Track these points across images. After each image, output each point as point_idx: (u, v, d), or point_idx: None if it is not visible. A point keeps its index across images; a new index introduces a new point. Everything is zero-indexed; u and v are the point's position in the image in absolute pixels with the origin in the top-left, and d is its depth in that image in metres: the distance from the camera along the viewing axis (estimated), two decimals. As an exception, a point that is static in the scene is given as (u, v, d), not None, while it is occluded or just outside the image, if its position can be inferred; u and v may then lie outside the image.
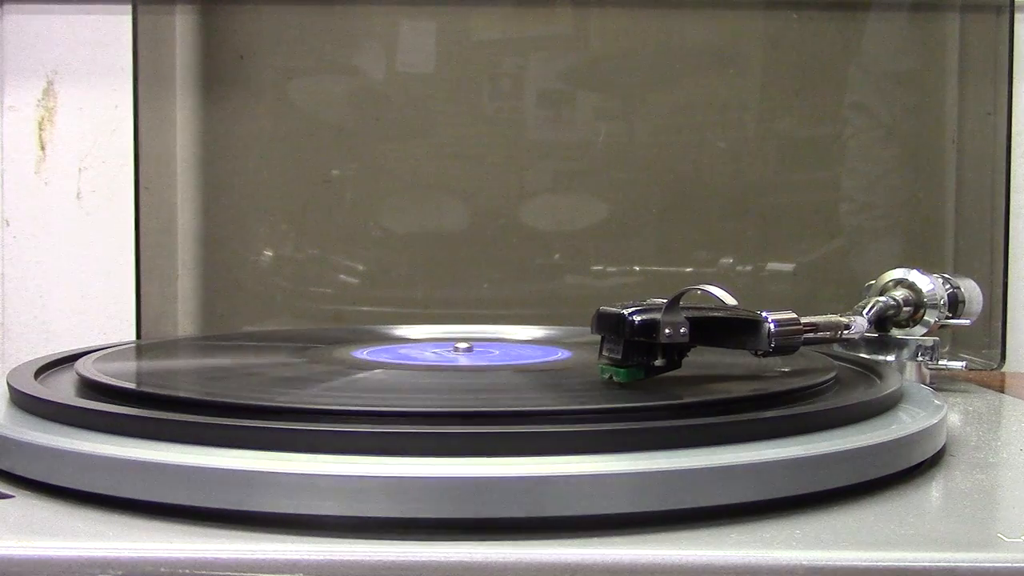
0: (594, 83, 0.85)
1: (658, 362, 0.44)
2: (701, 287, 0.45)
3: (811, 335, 0.49)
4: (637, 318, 0.43)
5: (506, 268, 0.85)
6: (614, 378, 0.45)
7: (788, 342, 0.47)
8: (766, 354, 0.46)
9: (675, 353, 0.45)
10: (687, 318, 0.44)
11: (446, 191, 0.85)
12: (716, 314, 0.46)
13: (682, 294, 0.44)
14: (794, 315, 0.48)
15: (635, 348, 0.44)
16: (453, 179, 0.85)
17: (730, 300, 0.45)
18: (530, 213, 0.85)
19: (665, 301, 0.44)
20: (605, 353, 0.45)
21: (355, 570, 0.32)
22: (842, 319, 0.53)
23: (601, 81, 0.85)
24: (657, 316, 0.43)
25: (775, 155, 0.85)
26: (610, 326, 0.44)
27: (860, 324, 0.56)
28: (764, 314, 0.46)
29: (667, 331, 0.43)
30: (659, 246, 0.85)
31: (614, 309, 0.44)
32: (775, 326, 0.46)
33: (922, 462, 0.42)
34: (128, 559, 0.32)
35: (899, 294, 0.62)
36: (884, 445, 0.40)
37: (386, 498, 0.33)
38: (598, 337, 0.45)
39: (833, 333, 0.52)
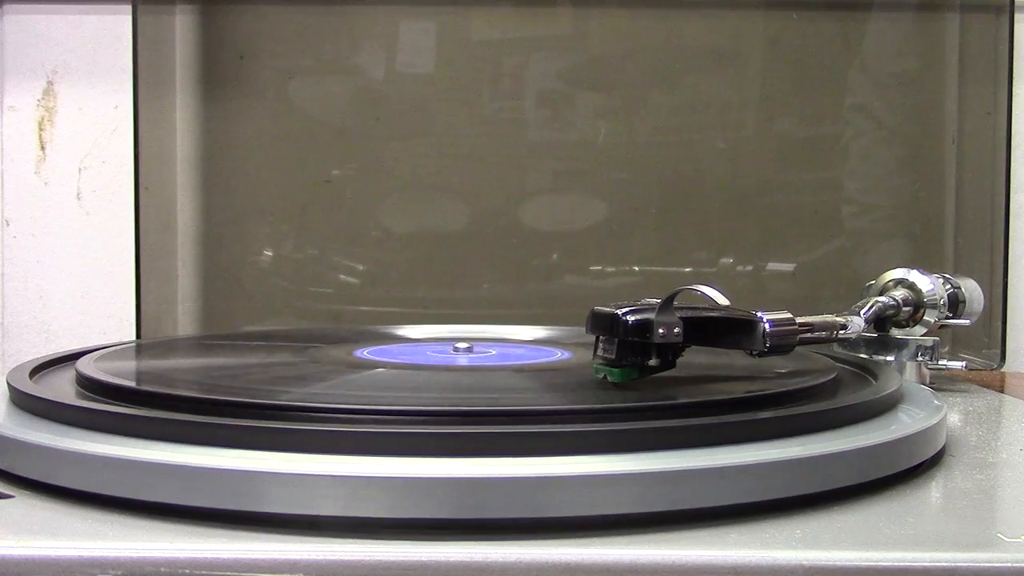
0: (594, 83, 0.85)
1: (652, 362, 0.44)
2: (694, 287, 0.45)
3: (807, 335, 0.49)
4: (631, 318, 0.43)
5: (506, 268, 0.85)
6: (608, 378, 0.45)
7: (784, 342, 0.47)
8: (762, 354, 0.46)
9: (669, 353, 0.45)
10: (682, 318, 0.44)
11: (446, 191, 0.85)
12: (711, 314, 0.46)
13: (676, 294, 0.44)
14: (789, 315, 0.48)
15: (629, 348, 0.44)
16: (453, 179, 0.85)
17: (723, 300, 0.45)
18: (530, 213, 0.85)
19: (659, 301, 0.44)
20: (599, 353, 0.45)
21: (355, 570, 0.32)
22: (838, 319, 0.53)
23: (601, 81, 0.85)
24: (651, 316, 0.43)
25: (775, 155, 0.85)
26: (604, 326, 0.44)
27: (857, 324, 0.56)
28: (759, 314, 0.46)
29: (661, 331, 0.43)
30: (659, 246, 0.85)
31: (608, 309, 0.44)
32: (770, 326, 0.46)
33: (922, 462, 0.42)
34: (128, 559, 0.32)
35: (899, 294, 0.62)
36: (884, 445, 0.40)
37: (386, 498, 0.33)
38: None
39: (829, 333, 0.52)
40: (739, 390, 0.47)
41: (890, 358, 0.62)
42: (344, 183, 0.85)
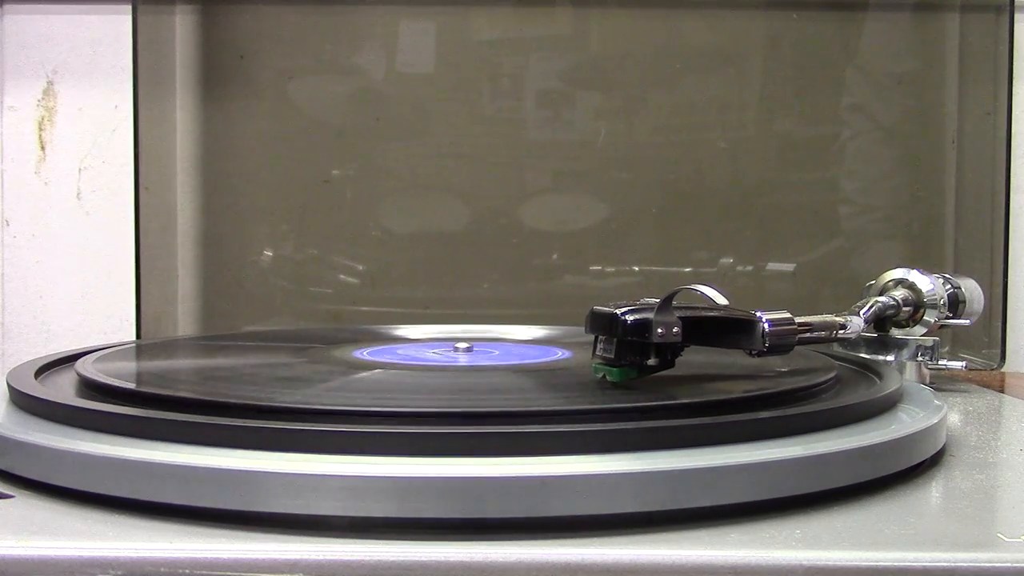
0: (594, 83, 0.85)
1: (651, 361, 0.45)
2: (693, 287, 0.45)
3: (806, 335, 0.50)
4: (629, 318, 0.43)
5: (506, 268, 0.85)
6: (607, 377, 0.45)
7: (783, 342, 0.47)
8: (760, 354, 0.46)
9: (668, 352, 0.45)
10: (681, 318, 0.44)
11: (446, 191, 0.85)
12: (711, 314, 0.46)
13: (675, 294, 0.44)
14: (788, 315, 0.48)
15: (628, 347, 0.44)
16: (453, 179, 0.85)
17: (721, 300, 0.45)
18: (530, 213, 0.85)
19: (658, 301, 0.44)
20: (598, 352, 0.45)
21: (355, 570, 0.32)
22: (837, 319, 0.53)
23: (601, 81, 0.85)
24: (649, 316, 0.43)
25: (775, 155, 0.85)
26: (603, 326, 0.44)
27: (856, 324, 0.56)
28: (758, 314, 0.46)
29: (659, 331, 0.43)
30: (659, 246, 0.85)
31: (607, 309, 0.44)
32: (769, 326, 0.46)
33: (922, 462, 0.42)
34: (128, 559, 0.32)
35: (899, 294, 0.62)
36: (884, 445, 0.40)
37: (386, 498, 0.33)
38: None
39: (828, 333, 0.52)
40: (739, 390, 0.47)
41: (890, 358, 0.62)
42: (344, 183, 0.85)
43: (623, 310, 0.43)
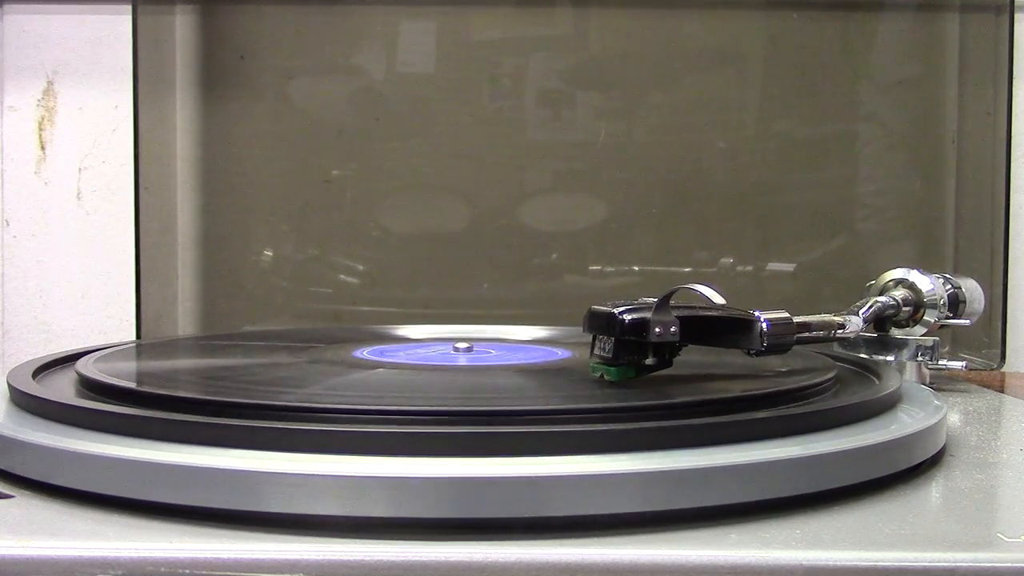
0: (594, 83, 0.85)
1: (649, 361, 0.45)
2: (690, 286, 0.45)
3: (804, 334, 0.50)
4: (627, 317, 0.43)
5: (506, 268, 0.85)
6: (605, 376, 0.45)
7: (781, 341, 0.47)
8: (759, 353, 0.46)
9: (666, 352, 0.45)
10: (680, 317, 0.44)
11: (446, 191, 0.85)
12: (709, 313, 0.46)
13: (672, 293, 0.44)
14: (787, 314, 0.48)
15: (626, 347, 0.44)
16: (453, 179, 0.85)
17: (719, 299, 0.45)
18: (530, 213, 0.85)
19: (656, 300, 0.44)
20: (596, 352, 0.45)
21: (355, 570, 0.32)
22: (836, 318, 0.53)
23: (601, 81, 0.85)
24: (647, 315, 0.43)
25: (775, 155, 0.85)
26: (601, 325, 0.44)
27: (855, 323, 0.56)
28: (757, 313, 0.46)
29: (657, 330, 0.43)
30: (659, 246, 0.85)
31: (605, 308, 0.44)
32: (767, 325, 0.46)
33: (922, 462, 0.42)
34: (128, 559, 0.32)
35: (899, 294, 0.62)
36: (884, 445, 0.40)
37: (386, 498, 0.33)
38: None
39: (827, 332, 0.52)
40: (738, 390, 0.47)
41: (890, 358, 0.62)
42: (344, 183, 0.85)
43: (621, 309, 0.44)
